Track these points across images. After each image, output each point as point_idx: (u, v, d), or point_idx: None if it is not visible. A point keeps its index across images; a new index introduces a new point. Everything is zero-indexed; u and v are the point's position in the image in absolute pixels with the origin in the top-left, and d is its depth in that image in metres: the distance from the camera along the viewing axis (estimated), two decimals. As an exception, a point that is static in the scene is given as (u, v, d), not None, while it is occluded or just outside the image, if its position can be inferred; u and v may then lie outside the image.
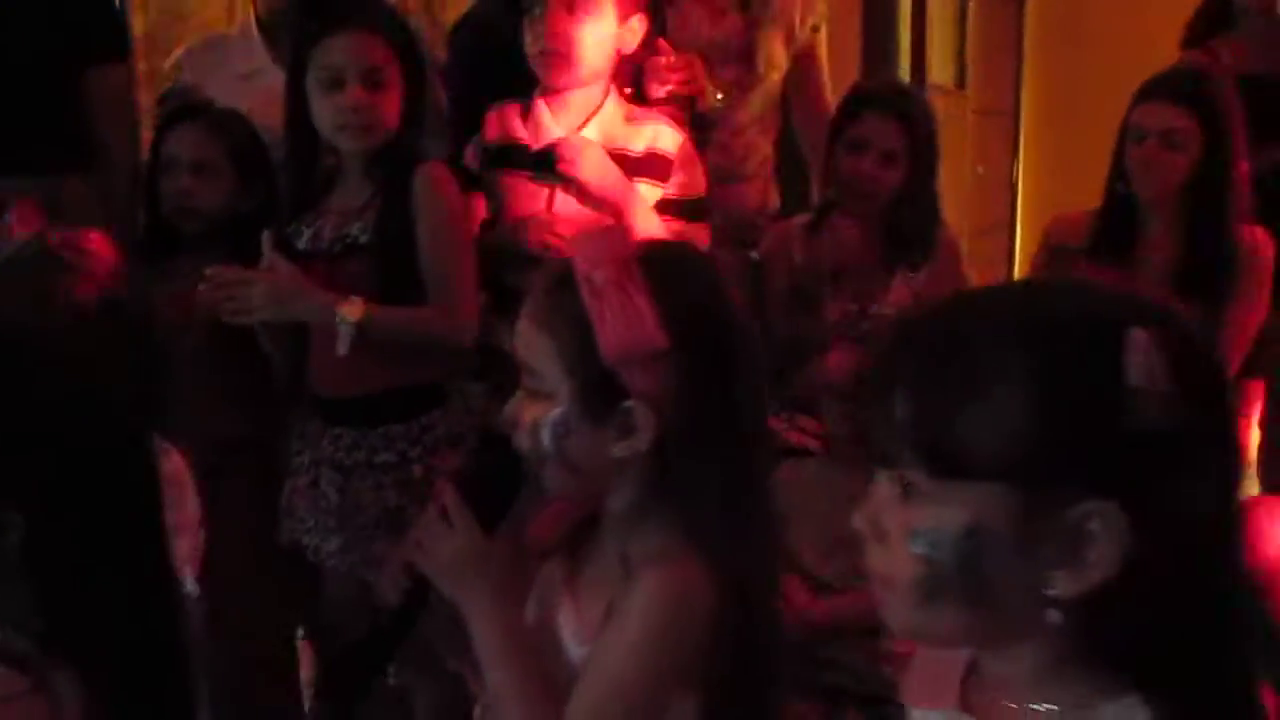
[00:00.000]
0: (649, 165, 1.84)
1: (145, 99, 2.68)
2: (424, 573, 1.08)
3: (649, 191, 1.83)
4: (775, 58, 2.22)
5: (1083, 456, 0.67)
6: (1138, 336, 0.67)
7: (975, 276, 2.95)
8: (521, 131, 1.87)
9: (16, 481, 0.90)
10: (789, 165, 2.41)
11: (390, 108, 1.69)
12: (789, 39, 2.25)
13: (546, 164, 1.80)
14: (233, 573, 1.62)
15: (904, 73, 3.47)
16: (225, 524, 1.59)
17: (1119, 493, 0.67)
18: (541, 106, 1.87)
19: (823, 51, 2.38)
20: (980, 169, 4.16)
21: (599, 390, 1.01)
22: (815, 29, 2.31)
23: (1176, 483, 0.68)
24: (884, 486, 0.73)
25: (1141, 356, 0.66)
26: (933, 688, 0.80)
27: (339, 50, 1.67)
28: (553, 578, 1.12)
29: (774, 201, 2.33)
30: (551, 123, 1.86)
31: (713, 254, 1.83)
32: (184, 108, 2.05)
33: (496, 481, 1.10)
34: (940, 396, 0.70)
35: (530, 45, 1.82)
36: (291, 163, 1.76)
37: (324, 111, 1.68)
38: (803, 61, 2.28)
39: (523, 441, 1.05)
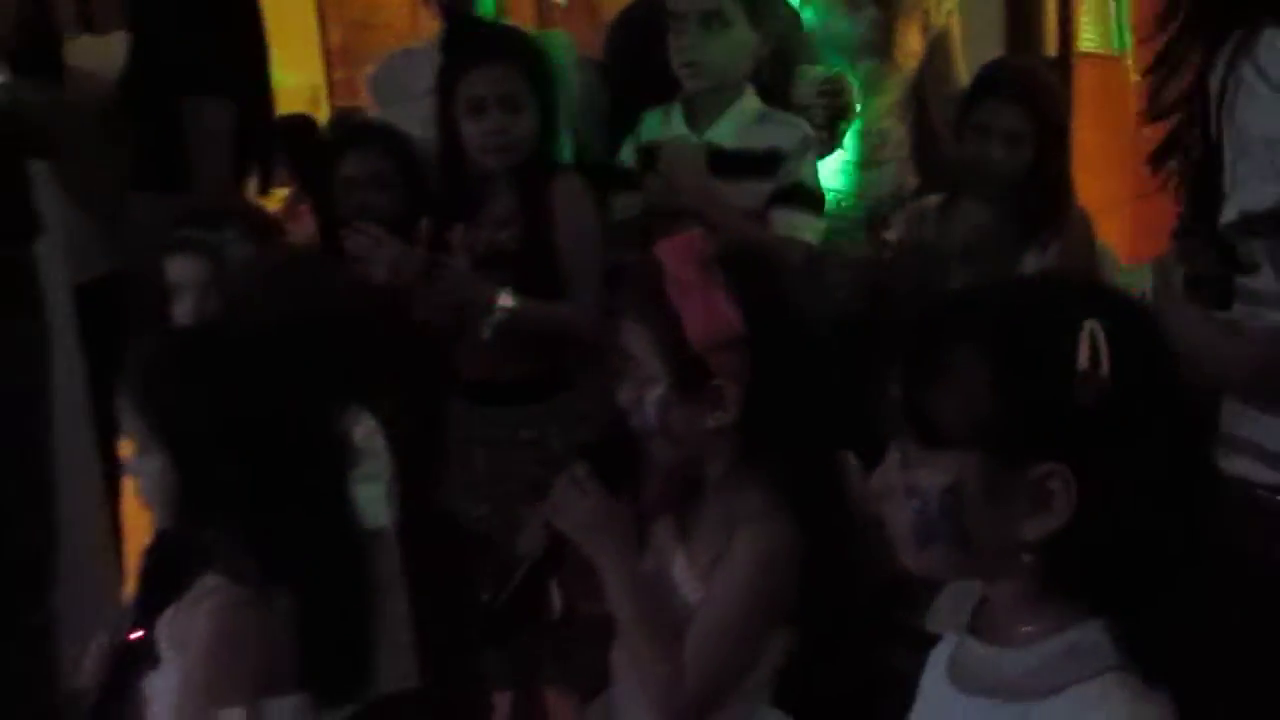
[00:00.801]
0: (767, 163, 2.00)
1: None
2: (560, 530, 1.30)
3: (759, 187, 1.99)
4: (911, 46, 2.32)
5: (1038, 429, 0.82)
6: (1091, 329, 0.82)
7: (1137, 241, 2.92)
8: (660, 135, 2.07)
9: (237, 437, 1.16)
10: (928, 146, 2.48)
11: (526, 128, 1.91)
12: (925, 27, 2.34)
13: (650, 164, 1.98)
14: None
15: (1051, 45, 3.47)
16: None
17: (1070, 457, 0.82)
18: (676, 110, 2.07)
19: (959, 32, 2.43)
20: (1147, 132, 4.06)
21: (690, 372, 1.22)
22: (950, 12, 2.40)
23: (1119, 449, 0.82)
24: (892, 455, 0.90)
25: (1090, 347, 0.81)
26: (950, 617, 0.97)
27: (480, 81, 1.90)
28: (665, 536, 1.33)
29: (911, 183, 2.41)
30: (681, 126, 2.05)
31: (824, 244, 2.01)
32: (350, 130, 2.34)
33: (618, 455, 1.31)
34: (922, 380, 0.86)
35: (673, 56, 2.02)
36: (445, 178, 2.00)
37: (470, 135, 1.91)
38: (937, 46, 2.36)
39: (634, 420, 1.26)
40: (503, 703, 2.26)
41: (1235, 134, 1.16)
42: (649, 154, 2.06)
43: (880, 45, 2.28)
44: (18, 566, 2.01)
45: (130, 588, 2.54)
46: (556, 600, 2.10)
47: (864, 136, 2.29)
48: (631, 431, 1.28)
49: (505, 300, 1.83)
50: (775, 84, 2.13)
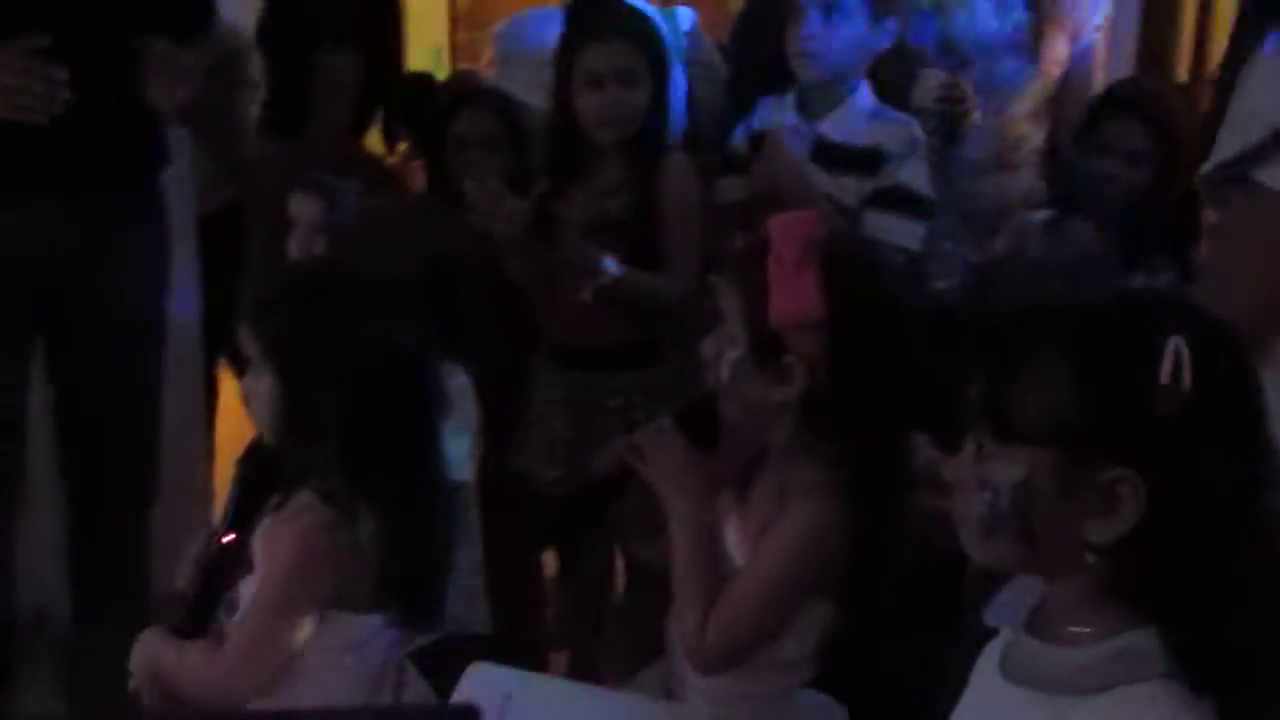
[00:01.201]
0: (869, 161, 2.00)
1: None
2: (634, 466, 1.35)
3: (859, 184, 2.00)
4: (1057, 54, 2.30)
5: (1114, 434, 0.84)
6: (1176, 343, 0.83)
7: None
8: (772, 123, 2.09)
9: (338, 365, 1.23)
10: (1057, 158, 2.41)
11: (640, 102, 1.95)
12: (1074, 37, 2.32)
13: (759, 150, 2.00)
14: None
15: (1184, 68, 3.38)
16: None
17: (1142, 463, 0.83)
18: (790, 100, 2.09)
19: (1101, 49, 2.43)
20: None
21: (766, 344, 1.26)
22: (1099, 27, 2.38)
23: (1190, 461, 0.83)
24: (968, 447, 0.93)
25: (1174, 361, 0.83)
26: (1011, 613, 0.99)
27: (599, 55, 1.95)
28: (726, 501, 1.38)
29: (1040, 192, 2.36)
30: (793, 115, 2.07)
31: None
32: (465, 91, 2.40)
33: (703, 421, 1.35)
34: (1004, 377, 0.89)
35: (790, 44, 2.04)
36: (555, 146, 2.03)
37: (586, 107, 1.96)
38: (1080, 59, 2.34)
39: (710, 373, 1.31)
40: (559, 660, 2.33)
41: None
42: (759, 140, 2.08)
43: (1027, 48, 2.27)
44: (126, 469, 2.12)
45: (219, 502, 2.73)
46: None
47: (999, 139, 2.28)
48: (715, 399, 1.32)
49: (611, 266, 1.87)
50: (895, 83, 2.13)
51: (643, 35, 1.98)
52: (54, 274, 1.95)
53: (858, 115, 2.05)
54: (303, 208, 1.91)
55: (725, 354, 1.30)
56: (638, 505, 1.38)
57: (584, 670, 2.25)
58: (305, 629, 1.24)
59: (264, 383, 1.27)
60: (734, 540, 1.34)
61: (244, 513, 1.31)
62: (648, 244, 1.94)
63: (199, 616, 1.33)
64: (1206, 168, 1.33)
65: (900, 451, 1.31)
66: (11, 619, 2.10)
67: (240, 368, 1.47)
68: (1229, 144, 1.29)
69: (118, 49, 1.88)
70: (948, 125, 2.14)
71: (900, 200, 2.01)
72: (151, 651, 1.31)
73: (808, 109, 2.08)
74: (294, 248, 1.90)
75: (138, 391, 2.10)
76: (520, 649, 2.07)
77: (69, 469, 2.13)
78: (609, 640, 2.27)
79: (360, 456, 1.25)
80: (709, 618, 1.27)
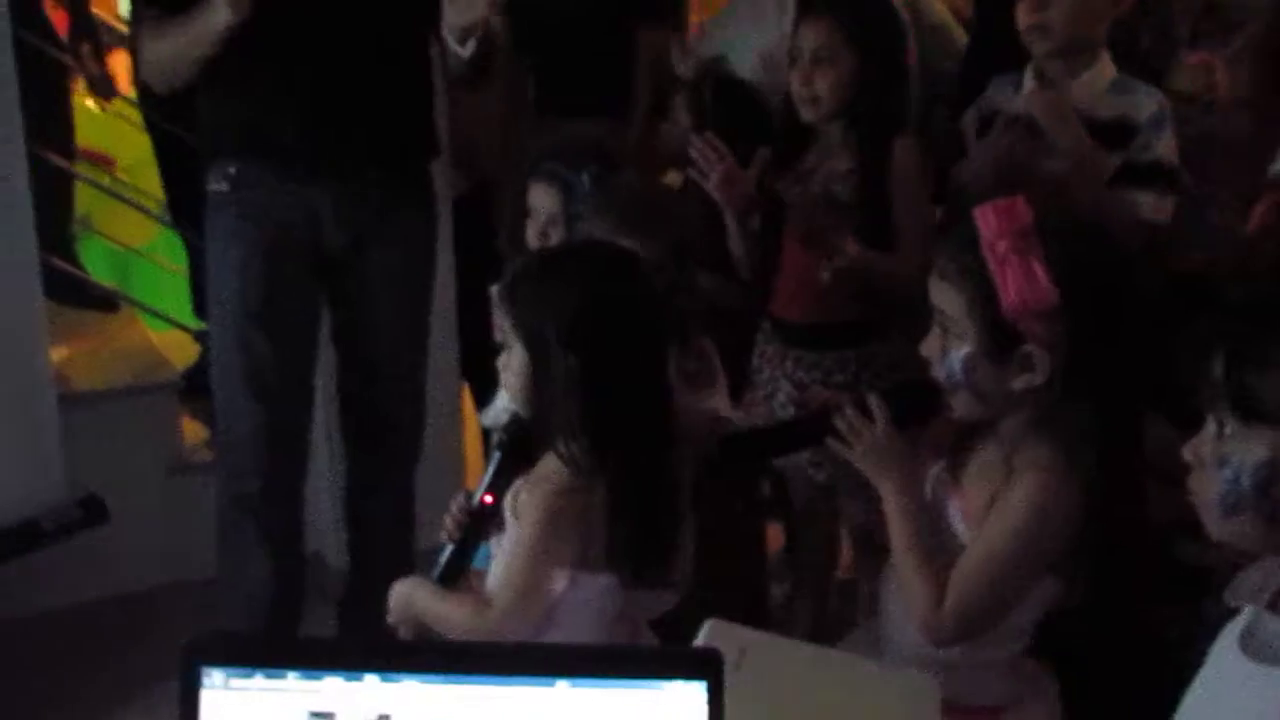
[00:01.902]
0: (1115, 133, 1.94)
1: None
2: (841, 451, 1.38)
3: (1106, 159, 1.93)
4: None
5: None
6: None
7: None
8: (1002, 100, 2.06)
9: (580, 339, 1.32)
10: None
11: (833, 83, 1.96)
12: None
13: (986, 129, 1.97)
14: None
15: None
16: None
17: None
18: (1027, 76, 2.05)
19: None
20: None
21: (1001, 335, 1.27)
22: None
23: None
24: (1208, 427, 0.92)
25: None
26: (1254, 593, 0.98)
27: (801, 33, 1.98)
28: (941, 475, 1.40)
29: None
30: (1031, 87, 2.02)
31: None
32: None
33: (913, 398, 1.38)
34: (1251, 358, 0.88)
35: (1021, 18, 1.99)
36: (780, 125, 2.08)
37: (790, 85, 2.00)
38: None
39: (938, 373, 1.33)
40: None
41: None
42: (988, 120, 2.06)
43: None
44: (399, 429, 2.32)
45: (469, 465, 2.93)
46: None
47: None
48: (927, 380, 1.34)
49: (850, 246, 1.90)
50: (1153, 61, 2.09)
51: (849, 13, 1.98)
52: (339, 249, 2.14)
53: (1099, 87, 1.99)
54: (539, 198, 1.97)
55: (952, 351, 1.30)
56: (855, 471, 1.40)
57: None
58: (559, 584, 1.34)
59: (515, 357, 1.38)
60: (956, 513, 1.36)
61: (501, 476, 1.42)
62: (876, 226, 1.96)
63: (455, 567, 1.45)
64: None
65: (1135, 429, 1.29)
66: (302, 559, 2.33)
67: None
68: None
69: (389, 48, 2.05)
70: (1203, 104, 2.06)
71: (1151, 173, 1.94)
72: (411, 595, 1.44)
73: (1045, 84, 2.03)
74: (531, 237, 1.98)
75: (410, 359, 2.29)
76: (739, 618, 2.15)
77: (348, 424, 2.34)
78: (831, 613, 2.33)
79: (598, 421, 1.34)
80: (943, 592, 1.30)
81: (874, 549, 1.92)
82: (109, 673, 2.45)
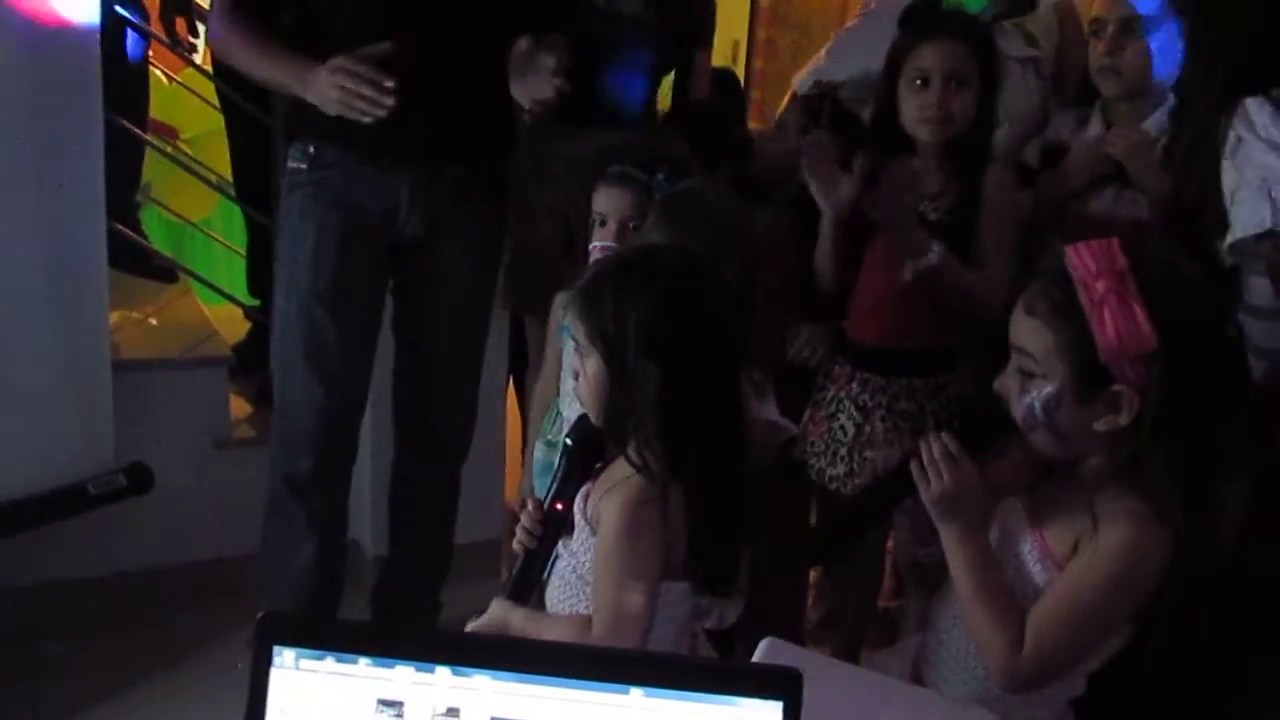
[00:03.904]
0: None
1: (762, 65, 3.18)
2: (921, 493, 1.34)
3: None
4: None
5: None
6: None
7: None
8: (1066, 134, 2.08)
9: (660, 346, 1.32)
10: None
11: (964, 107, 1.96)
12: None
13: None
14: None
15: None
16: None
17: None
18: (1096, 115, 2.06)
19: None
20: None
21: (1090, 376, 1.24)
22: None
23: None
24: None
25: None
26: None
27: (928, 54, 1.96)
28: (1016, 512, 1.37)
29: None
30: (1101, 129, 2.04)
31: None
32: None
33: (985, 431, 1.35)
34: None
35: (1094, 59, 2.04)
36: (871, 146, 2.04)
37: (909, 106, 1.98)
38: None
39: (1016, 410, 1.30)
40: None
41: (1235, 173, 1.74)
42: (1052, 153, 2.06)
43: None
44: (450, 423, 2.32)
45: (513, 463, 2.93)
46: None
47: None
48: (1000, 413, 1.32)
49: (937, 248, 1.88)
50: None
51: (976, 41, 1.99)
52: (411, 238, 2.15)
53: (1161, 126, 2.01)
54: (611, 202, 1.95)
55: (1033, 391, 1.28)
56: (916, 507, 1.38)
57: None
58: (653, 596, 1.31)
59: (591, 364, 1.37)
60: (1033, 554, 1.33)
61: (569, 483, 1.41)
62: (962, 251, 1.94)
63: (531, 577, 1.44)
64: (1233, 236, 1.70)
65: (1219, 477, 1.27)
66: (344, 543, 2.33)
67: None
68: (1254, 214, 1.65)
69: (482, 45, 2.06)
70: None
71: None
72: (507, 619, 1.41)
73: (1112, 125, 2.06)
74: (601, 238, 1.95)
75: (468, 354, 2.30)
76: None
77: (402, 414, 2.34)
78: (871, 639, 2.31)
79: (676, 434, 1.32)
80: (1020, 636, 1.27)
81: (923, 579, 1.91)
82: (152, 638, 2.47)
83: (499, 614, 1.42)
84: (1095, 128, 2.08)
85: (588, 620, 1.35)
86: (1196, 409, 1.23)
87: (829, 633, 2.41)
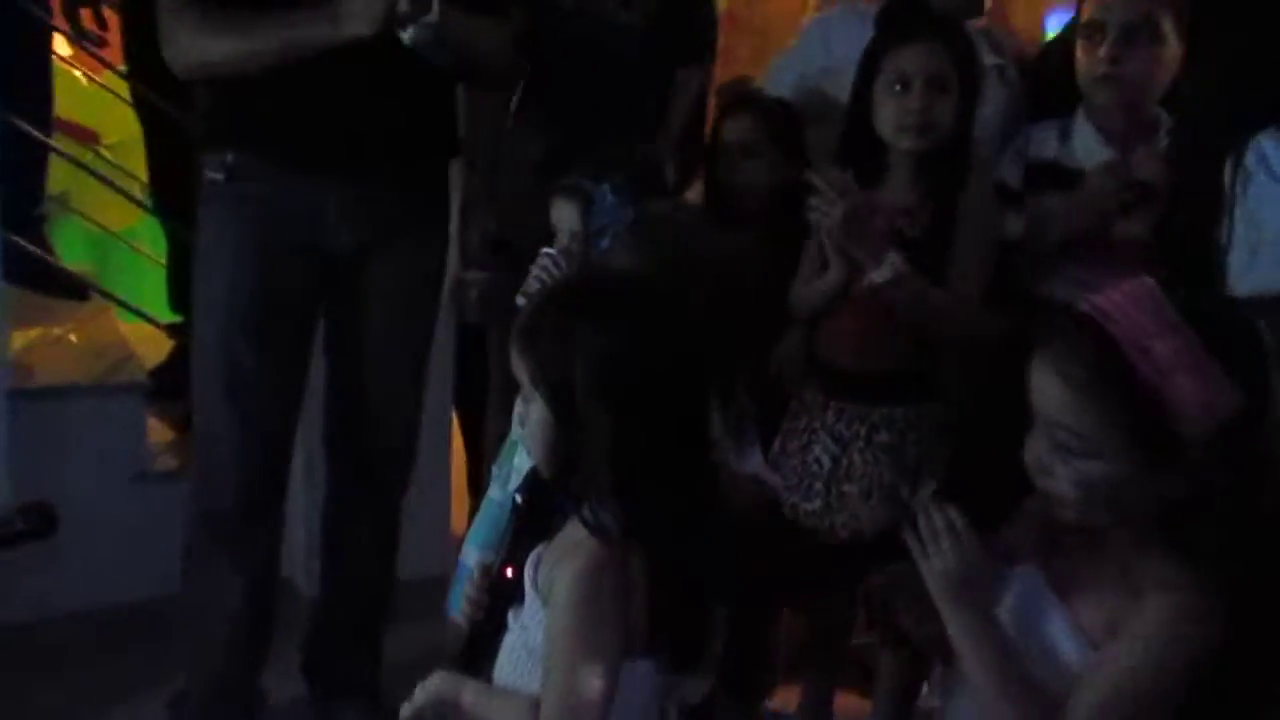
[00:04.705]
0: None
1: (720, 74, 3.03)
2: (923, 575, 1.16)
3: None
4: None
5: None
6: None
7: None
8: (1051, 151, 1.93)
9: (609, 389, 1.14)
10: None
11: (947, 112, 1.82)
12: None
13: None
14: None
15: None
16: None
17: None
18: (1084, 128, 1.92)
19: None
20: None
21: (1158, 447, 1.06)
22: None
23: None
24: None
25: None
26: None
27: (908, 57, 1.81)
28: (1034, 582, 1.20)
29: None
30: (1094, 144, 1.90)
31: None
32: (738, 99, 2.35)
33: (990, 498, 1.19)
34: None
35: (1088, 66, 1.89)
36: (848, 155, 1.90)
37: (888, 113, 1.83)
38: None
39: (1059, 488, 1.12)
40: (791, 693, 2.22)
41: (1248, 216, 1.57)
42: (1042, 171, 1.92)
43: None
44: (390, 449, 2.14)
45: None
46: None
47: None
48: (1009, 481, 1.16)
49: (893, 258, 1.75)
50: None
51: (957, 44, 1.85)
52: (343, 253, 1.97)
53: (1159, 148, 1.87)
54: (561, 214, 1.83)
55: (1076, 466, 1.10)
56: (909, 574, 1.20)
57: (818, 705, 2.15)
58: (612, 676, 1.15)
59: (535, 410, 1.20)
60: (1063, 633, 1.16)
61: (520, 545, 1.24)
62: (935, 270, 1.80)
63: (480, 650, 1.28)
64: (1245, 290, 1.51)
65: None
66: (275, 585, 2.14)
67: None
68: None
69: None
70: None
71: None
72: (456, 693, 1.24)
73: (1112, 138, 1.91)
74: (555, 251, 1.81)
75: (408, 380, 2.12)
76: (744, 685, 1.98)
77: (335, 443, 2.16)
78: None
79: (632, 488, 1.15)
80: None
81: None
82: (57, 695, 2.26)
83: (444, 689, 1.25)
84: (1087, 142, 1.92)
85: (538, 704, 1.18)
86: (1259, 471, 1.07)
87: (798, 674, 2.26)
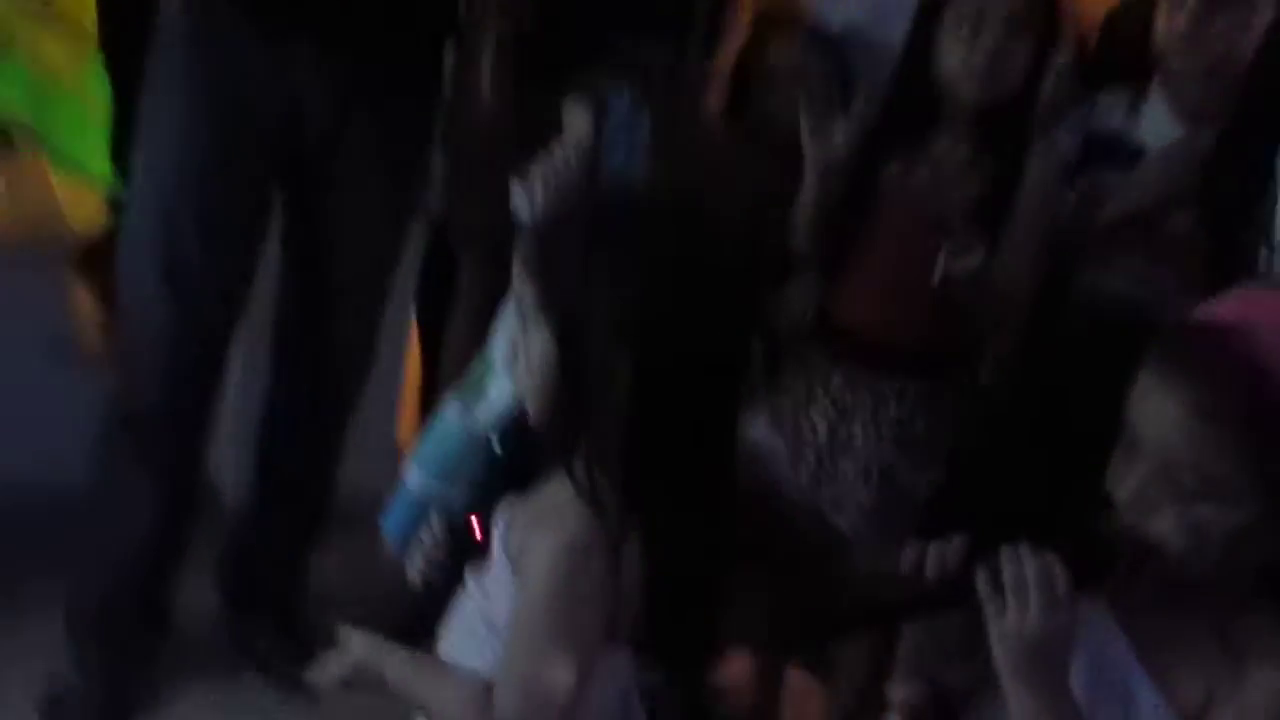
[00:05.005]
0: None
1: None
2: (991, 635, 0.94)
3: None
4: None
5: None
6: None
7: None
8: (1119, 121, 1.74)
9: (639, 331, 0.97)
10: None
11: (1023, 61, 1.62)
12: None
13: None
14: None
15: None
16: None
17: None
18: (1158, 101, 1.73)
19: None
20: None
21: None
22: None
23: None
24: None
25: None
26: None
27: None
28: (1114, 645, 1.01)
29: None
30: (1167, 120, 1.71)
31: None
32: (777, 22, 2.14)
33: (1092, 556, 0.94)
34: None
35: (1166, 29, 1.68)
36: (898, 102, 1.70)
37: (953, 55, 1.63)
38: None
39: (1162, 532, 0.93)
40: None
41: None
42: (1101, 144, 1.72)
43: None
44: (344, 356, 1.97)
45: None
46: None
47: None
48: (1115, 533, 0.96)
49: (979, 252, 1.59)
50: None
51: None
52: (313, 134, 1.75)
53: None
54: (573, 118, 1.65)
55: (1199, 513, 0.92)
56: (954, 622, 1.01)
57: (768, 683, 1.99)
58: (584, 669, 0.98)
59: (535, 340, 1.01)
60: (1148, 703, 0.98)
61: (491, 498, 1.05)
62: (990, 239, 1.61)
63: (428, 620, 1.10)
64: None
65: None
66: (194, 497, 1.95)
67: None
68: None
69: None
70: None
71: None
72: (380, 662, 1.07)
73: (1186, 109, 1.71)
74: (549, 162, 1.60)
75: (374, 286, 1.92)
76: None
77: (282, 354, 1.98)
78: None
79: (643, 452, 0.98)
80: None
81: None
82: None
83: (365, 655, 1.07)
84: (1159, 118, 1.74)
85: (490, 689, 1.00)
86: None
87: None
